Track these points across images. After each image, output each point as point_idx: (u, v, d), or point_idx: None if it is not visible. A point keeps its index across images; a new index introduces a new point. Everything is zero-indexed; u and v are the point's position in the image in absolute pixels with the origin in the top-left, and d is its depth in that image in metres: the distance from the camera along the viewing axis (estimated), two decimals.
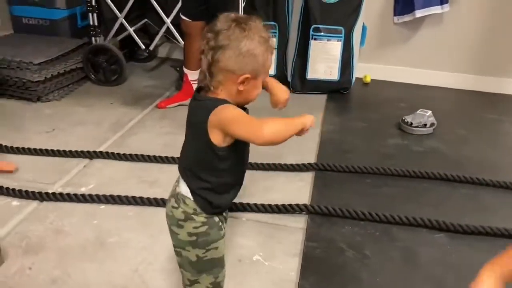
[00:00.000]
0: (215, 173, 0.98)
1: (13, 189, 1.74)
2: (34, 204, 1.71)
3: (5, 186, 1.76)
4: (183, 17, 2.41)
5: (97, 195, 1.73)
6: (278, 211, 1.72)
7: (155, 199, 1.73)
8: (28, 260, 1.43)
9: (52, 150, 2.05)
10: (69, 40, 3.04)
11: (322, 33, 2.89)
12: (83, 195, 1.73)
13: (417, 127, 2.46)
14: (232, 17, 0.93)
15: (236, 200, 1.73)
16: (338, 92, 3.01)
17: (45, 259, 1.44)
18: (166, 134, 2.35)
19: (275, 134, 0.89)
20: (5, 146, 2.05)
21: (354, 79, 3.04)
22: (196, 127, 0.96)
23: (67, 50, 2.85)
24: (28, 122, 2.40)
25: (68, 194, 1.73)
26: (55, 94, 2.71)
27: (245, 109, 0.99)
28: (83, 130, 2.34)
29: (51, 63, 2.70)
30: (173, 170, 2.00)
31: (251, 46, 0.91)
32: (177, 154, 2.04)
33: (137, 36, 2.97)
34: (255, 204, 1.73)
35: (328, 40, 2.90)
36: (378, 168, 2.03)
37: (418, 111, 2.52)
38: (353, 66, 2.98)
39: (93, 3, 2.85)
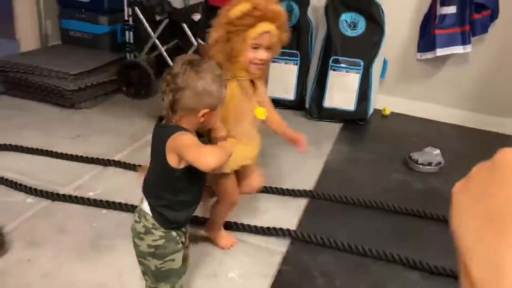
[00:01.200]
0: (173, 192, 1.12)
1: (30, 187, 1.95)
2: (46, 202, 1.91)
3: (23, 183, 1.97)
4: (201, 42, 2.60)
5: (100, 200, 1.91)
6: (262, 233, 1.82)
7: None
8: (28, 253, 1.61)
9: (71, 155, 2.26)
10: (106, 54, 3.31)
11: (341, 65, 2.98)
12: (88, 199, 1.91)
13: (422, 164, 2.48)
14: (186, 60, 1.07)
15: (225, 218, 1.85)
16: (354, 122, 3.07)
17: (43, 254, 1.62)
18: None
19: (218, 163, 1.02)
20: (32, 147, 2.28)
21: (371, 110, 3.10)
22: (158, 151, 1.10)
23: (102, 64, 3.11)
24: (58, 127, 2.64)
25: (75, 197, 1.92)
26: (87, 103, 2.96)
27: (201, 136, 1.12)
28: (104, 138, 2.55)
29: (86, 74, 2.96)
30: None
31: (205, 85, 1.05)
32: None
33: (172, 54, 3.19)
34: (242, 224, 1.84)
35: (346, 71, 2.99)
36: (371, 202, 2.08)
37: (426, 149, 2.54)
38: (370, 98, 3.04)
39: (131, 22, 3.10)
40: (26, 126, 2.60)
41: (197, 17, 3.14)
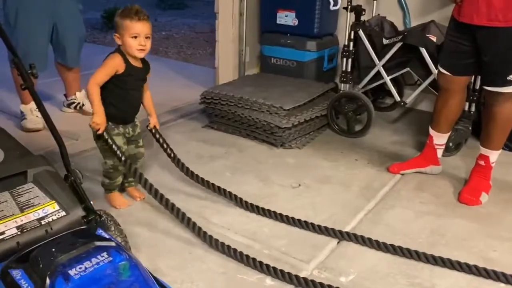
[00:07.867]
0: None
1: (267, 266, 1.50)
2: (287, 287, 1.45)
3: (257, 257, 1.54)
4: (442, 70, 1.97)
5: None
6: None
7: None
8: None
9: (300, 221, 1.77)
10: (315, 84, 2.87)
11: None
12: None
13: None
14: None
15: None
16: None
17: None
18: (429, 215, 1.89)
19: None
20: (253, 204, 1.87)
21: None
22: None
23: (314, 96, 2.67)
24: (273, 171, 2.24)
25: (330, 286, 1.41)
26: (297, 142, 2.53)
27: None
28: (330, 191, 2.06)
29: (299, 109, 2.54)
30: (451, 275, 1.52)
31: None
32: (447, 253, 1.56)
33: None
34: None
35: None
36: None
37: None
38: None
39: (351, 48, 2.60)
40: (239, 168, 2.26)
41: (434, 38, 2.52)
